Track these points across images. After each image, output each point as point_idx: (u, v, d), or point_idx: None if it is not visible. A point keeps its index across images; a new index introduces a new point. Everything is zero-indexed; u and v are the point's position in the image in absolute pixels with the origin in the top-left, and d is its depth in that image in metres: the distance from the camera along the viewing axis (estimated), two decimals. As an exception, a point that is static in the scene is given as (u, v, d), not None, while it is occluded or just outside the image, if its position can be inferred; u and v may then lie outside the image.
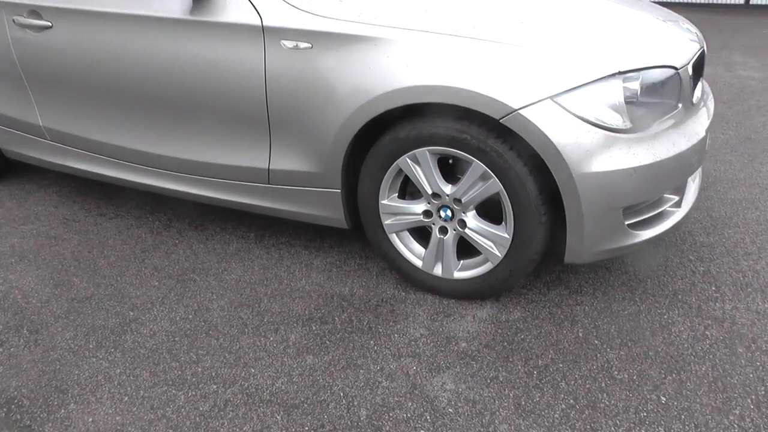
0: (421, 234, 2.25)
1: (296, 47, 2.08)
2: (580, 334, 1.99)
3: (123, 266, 2.48)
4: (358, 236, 2.65)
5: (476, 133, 1.91)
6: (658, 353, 1.90)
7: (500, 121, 1.85)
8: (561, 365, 1.87)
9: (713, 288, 2.21)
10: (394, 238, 2.23)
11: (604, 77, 1.85)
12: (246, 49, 2.16)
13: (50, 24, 2.59)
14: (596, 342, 1.96)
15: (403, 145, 2.03)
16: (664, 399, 1.73)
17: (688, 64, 2.05)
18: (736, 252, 2.45)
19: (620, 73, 1.85)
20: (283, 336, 2.03)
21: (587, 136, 1.83)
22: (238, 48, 2.17)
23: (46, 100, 2.79)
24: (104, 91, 2.55)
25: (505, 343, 1.97)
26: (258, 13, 2.13)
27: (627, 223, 1.95)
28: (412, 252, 2.23)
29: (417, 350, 1.95)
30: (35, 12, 2.63)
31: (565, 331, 2.01)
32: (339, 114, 2.07)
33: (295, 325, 2.09)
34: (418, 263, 2.22)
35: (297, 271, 2.42)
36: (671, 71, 1.95)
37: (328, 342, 2.00)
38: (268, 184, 2.38)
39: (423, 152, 2.01)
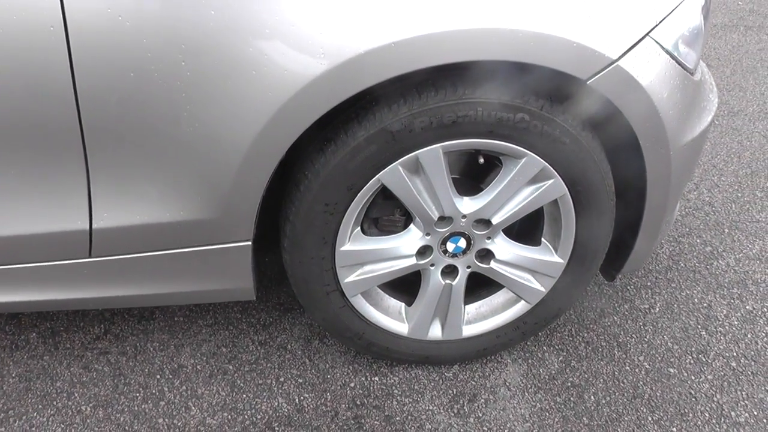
0: (395, 283, 1.33)
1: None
2: (645, 365, 1.43)
3: None
4: (253, 306, 1.55)
5: (538, 109, 1.08)
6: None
7: (588, 83, 1.06)
8: (640, 412, 1.29)
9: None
10: (359, 301, 1.28)
11: None
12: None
13: None
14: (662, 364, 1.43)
15: (395, 145, 1.07)
16: None
17: None
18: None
19: None
20: None
21: (684, 86, 1.18)
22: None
23: None
24: None
25: (567, 410, 1.30)
26: None
27: None
28: (388, 314, 1.33)
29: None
30: None
31: (621, 365, 1.43)
32: (256, 108, 0.98)
33: None
34: (402, 329, 1.31)
35: (177, 402, 1.29)
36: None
37: None
38: (90, 257, 1.14)
39: (434, 152, 1.09)
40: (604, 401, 1.34)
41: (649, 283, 1.64)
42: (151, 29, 0.94)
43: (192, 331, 1.44)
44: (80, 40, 0.94)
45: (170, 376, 1.34)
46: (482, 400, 1.32)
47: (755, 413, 1.33)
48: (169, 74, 0.97)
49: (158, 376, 1.34)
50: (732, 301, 1.61)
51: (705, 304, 1.59)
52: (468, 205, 1.18)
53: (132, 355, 1.39)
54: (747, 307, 1.59)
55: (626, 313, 1.55)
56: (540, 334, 1.47)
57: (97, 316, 1.49)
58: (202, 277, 1.22)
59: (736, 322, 1.55)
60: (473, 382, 1.36)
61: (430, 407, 1.30)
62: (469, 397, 1.32)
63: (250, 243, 1.16)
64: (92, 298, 1.24)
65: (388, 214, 1.23)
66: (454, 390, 1.34)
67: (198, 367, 1.36)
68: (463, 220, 1.19)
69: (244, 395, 1.30)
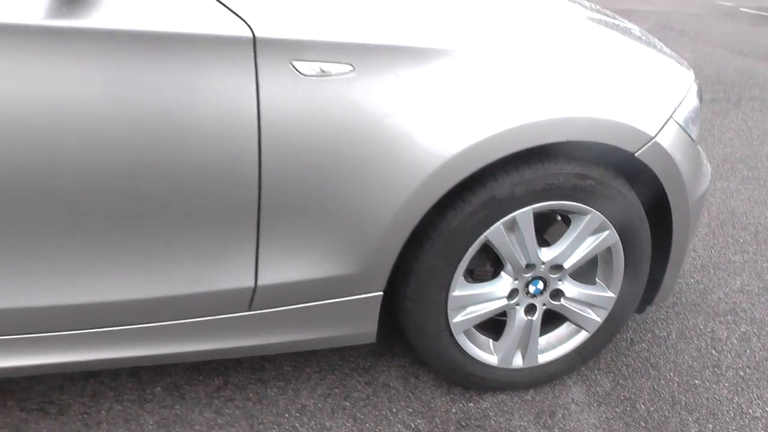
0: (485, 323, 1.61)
1: (321, 72, 1.21)
2: (675, 379, 1.75)
3: None
4: (350, 353, 1.77)
5: (599, 176, 1.44)
6: None
7: (636, 155, 1.43)
8: (681, 415, 1.61)
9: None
10: (462, 338, 1.56)
11: (693, 82, 1.62)
12: (221, 83, 1.16)
13: None
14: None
15: (500, 208, 1.40)
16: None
17: None
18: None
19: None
20: None
21: (693, 154, 1.58)
22: (205, 81, 1.15)
23: None
24: None
25: (627, 417, 1.60)
26: (240, 17, 1.15)
27: None
28: (481, 348, 1.61)
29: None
30: None
31: (657, 380, 1.74)
32: (405, 180, 1.29)
33: None
34: (493, 360, 1.60)
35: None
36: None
37: None
38: (249, 310, 1.38)
39: (526, 213, 1.42)
40: (652, 408, 1.65)
41: (662, 316, 2.01)
42: (325, 130, 1.24)
43: (303, 377, 1.67)
44: (269, 137, 1.22)
45: (297, 414, 1.56)
46: (560, 415, 1.60)
47: (767, 408, 1.68)
48: (335, 161, 1.26)
49: (287, 415, 1.56)
50: (729, 325, 1.99)
51: (709, 330, 1.97)
52: (546, 253, 1.51)
53: (256, 400, 1.60)
54: (741, 330, 1.97)
55: (651, 340, 1.90)
56: (590, 360, 1.78)
57: (213, 370, 1.70)
58: (335, 324, 1.47)
59: (735, 342, 1.92)
60: (549, 401, 1.65)
61: (522, 423, 1.57)
62: (549, 414, 1.61)
63: (381, 293, 1.44)
64: (239, 347, 1.46)
65: (481, 264, 1.54)
66: (536, 409, 1.62)
67: (319, 405, 1.59)
68: (542, 266, 1.52)
69: (367, 424, 1.54)
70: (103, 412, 1.57)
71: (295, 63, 1.20)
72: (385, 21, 1.28)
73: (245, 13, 1.18)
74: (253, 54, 1.18)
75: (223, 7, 1.18)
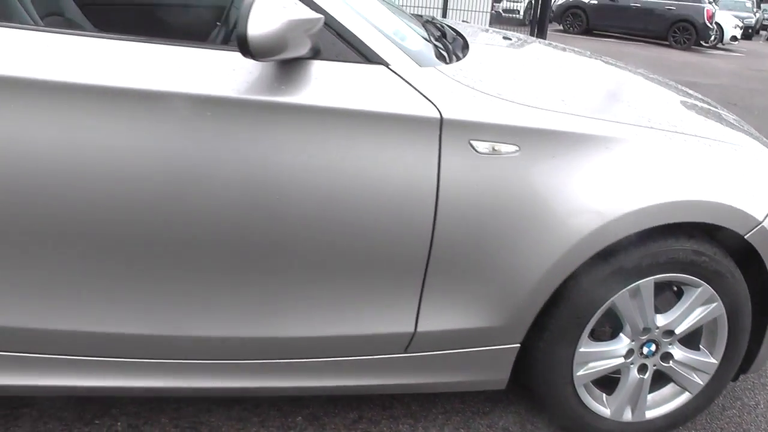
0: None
1: (493, 150, 1.47)
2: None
3: None
4: (469, 398, 1.94)
5: (713, 254, 1.66)
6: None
7: (745, 237, 1.65)
8: None
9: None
10: (582, 391, 1.75)
11: None
12: (406, 155, 1.43)
13: None
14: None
15: (626, 277, 1.62)
16: None
17: None
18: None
19: None
20: None
21: None
22: (392, 153, 1.42)
23: None
24: (111, 239, 1.37)
25: None
26: (431, 101, 1.43)
27: None
28: (597, 401, 1.79)
29: None
30: None
31: None
32: (553, 247, 1.53)
33: None
34: (606, 413, 1.79)
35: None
36: None
37: None
38: (404, 353, 1.60)
39: (648, 283, 1.64)
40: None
41: (749, 386, 2.17)
42: (490, 201, 1.49)
43: (430, 417, 1.87)
44: (445, 205, 1.47)
45: (430, 451, 1.76)
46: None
47: None
48: (496, 227, 1.50)
49: (420, 451, 1.75)
50: (812, 399, 2.15)
51: (793, 402, 2.13)
52: (660, 319, 1.71)
53: (391, 435, 1.81)
54: (823, 404, 2.13)
55: (740, 407, 2.06)
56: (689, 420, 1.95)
57: (348, 404, 1.91)
58: (475, 370, 1.68)
59: (819, 415, 2.08)
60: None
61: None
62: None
63: (519, 345, 1.65)
64: (388, 385, 1.68)
65: (600, 325, 1.75)
66: (643, 461, 1.79)
67: (449, 444, 1.78)
68: (656, 330, 1.72)
69: (494, 464, 1.73)
70: (252, 436, 1.79)
71: (473, 142, 1.46)
72: (545, 109, 1.54)
73: (435, 98, 1.46)
74: (438, 132, 1.45)
75: (416, 91, 1.46)
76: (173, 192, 1.37)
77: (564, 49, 2.38)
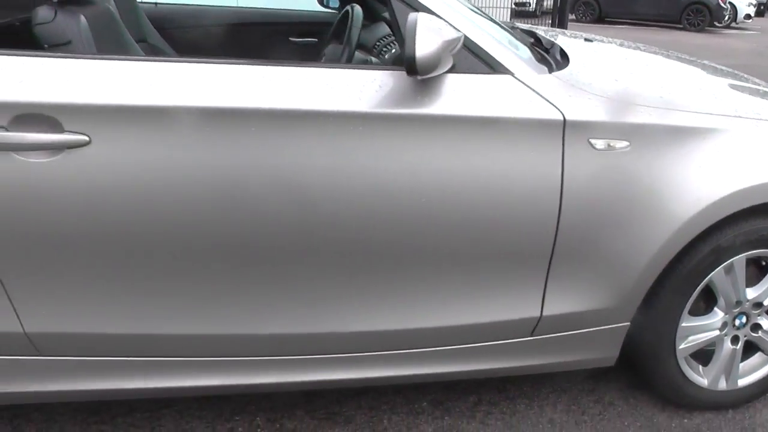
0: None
1: (608, 147, 1.64)
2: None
3: None
4: (575, 378, 2.09)
5: (798, 230, 1.85)
6: None
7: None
8: None
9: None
10: (683, 363, 1.92)
11: None
12: (534, 155, 1.60)
13: (87, 138, 1.40)
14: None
15: (722, 255, 1.79)
16: None
17: None
18: None
19: None
20: None
21: None
22: (521, 153, 1.59)
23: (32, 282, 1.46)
24: (205, 241, 1.51)
25: None
26: (554, 105, 1.60)
27: None
28: (695, 372, 1.96)
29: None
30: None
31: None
32: (660, 231, 1.70)
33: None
34: (704, 383, 1.96)
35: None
36: None
37: None
38: (531, 336, 1.76)
39: (741, 259, 1.82)
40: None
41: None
42: (607, 192, 1.66)
43: (542, 396, 2.04)
44: (569, 198, 1.63)
45: (549, 425, 1.92)
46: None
47: None
48: (612, 215, 1.66)
49: (541, 426, 1.91)
50: None
51: None
52: (750, 293, 1.89)
53: (510, 414, 1.97)
54: None
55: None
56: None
57: (466, 388, 2.07)
58: (590, 348, 1.85)
59: None
60: (747, 420, 1.99)
61: (735, 435, 1.92)
62: (751, 431, 1.94)
63: (629, 323, 1.82)
64: (515, 367, 1.83)
65: (695, 301, 1.92)
66: (739, 426, 1.97)
67: (564, 418, 1.95)
68: (747, 303, 1.89)
69: (607, 435, 1.89)
70: (384, 421, 1.94)
71: (591, 140, 1.63)
72: (651, 106, 1.71)
73: (557, 102, 1.63)
74: (562, 133, 1.62)
75: (540, 97, 1.63)
76: (329, 203, 1.54)
77: (637, 48, 2.56)
